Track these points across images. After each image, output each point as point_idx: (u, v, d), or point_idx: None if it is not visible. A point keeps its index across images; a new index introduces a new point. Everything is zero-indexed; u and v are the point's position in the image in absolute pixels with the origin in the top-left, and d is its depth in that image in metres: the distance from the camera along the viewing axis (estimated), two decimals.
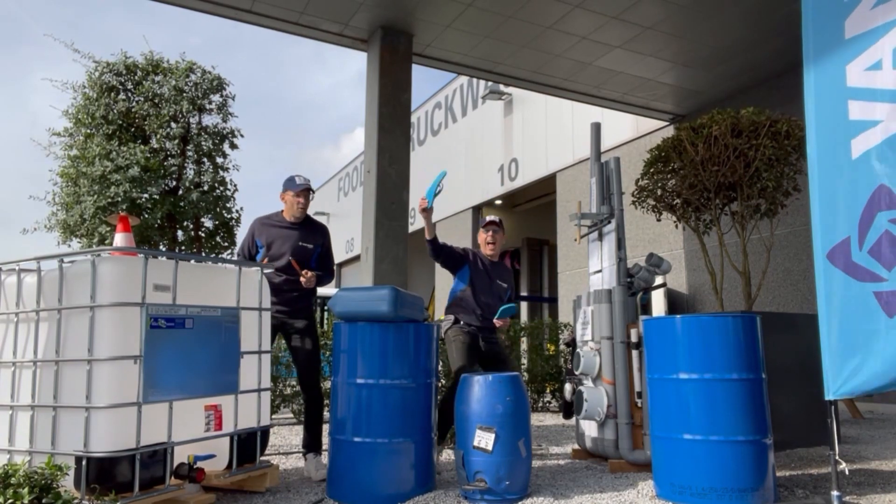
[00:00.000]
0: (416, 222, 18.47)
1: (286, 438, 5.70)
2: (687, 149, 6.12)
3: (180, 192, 7.32)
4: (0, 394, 3.18)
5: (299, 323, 4.13)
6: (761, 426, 3.33)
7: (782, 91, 8.81)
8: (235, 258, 4.06)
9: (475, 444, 3.33)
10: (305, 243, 4.19)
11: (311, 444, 4.04)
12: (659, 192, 6.66)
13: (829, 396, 3.15)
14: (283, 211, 4.27)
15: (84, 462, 2.79)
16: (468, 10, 7.14)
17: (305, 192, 4.20)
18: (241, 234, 7.92)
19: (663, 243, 10.81)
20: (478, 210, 16.14)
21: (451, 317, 4.56)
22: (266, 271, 3.82)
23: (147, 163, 6.79)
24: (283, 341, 4.38)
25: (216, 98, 7.61)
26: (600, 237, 4.71)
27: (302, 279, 4.04)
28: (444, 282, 17.04)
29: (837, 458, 3.16)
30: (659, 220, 7.15)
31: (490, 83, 14.49)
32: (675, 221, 6.98)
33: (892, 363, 2.94)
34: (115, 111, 7.09)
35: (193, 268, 3.40)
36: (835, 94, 3.20)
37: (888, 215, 2.98)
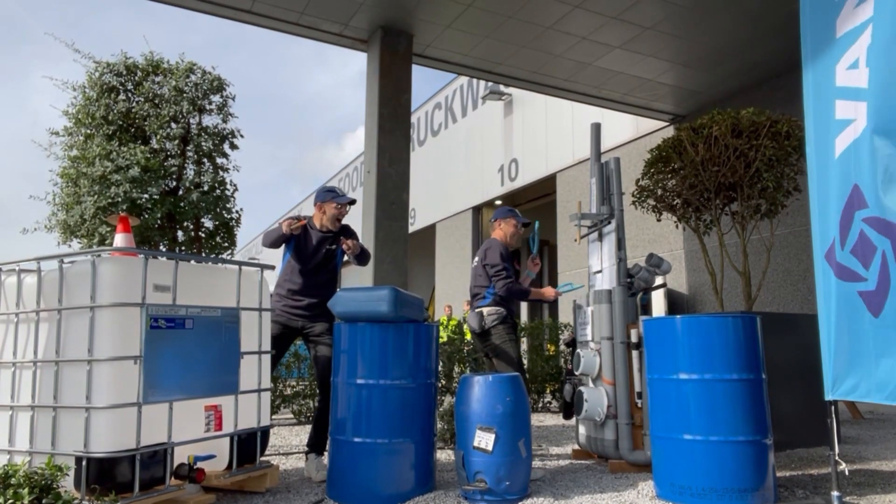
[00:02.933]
0: (417, 222, 18.50)
1: (286, 439, 5.70)
2: (687, 149, 6.12)
3: (180, 192, 7.32)
4: (0, 394, 3.18)
5: (319, 326, 4.12)
6: (761, 426, 3.33)
7: (782, 91, 8.81)
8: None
9: (475, 444, 3.33)
10: (331, 246, 4.22)
11: (316, 445, 4.04)
12: (659, 192, 6.66)
13: (829, 396, 3.15)
14: (313, 218, 4.29)
15: (84, 462, 2.79)
16: (468, 10, 7.14)
17: (348, 205, 4.23)
18: (241, 234, 7.93)
19: (663, 243, 10.81)
20: (478, 210, 16.16)
21: (502, 310, 4.44)
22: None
23: (147, 163, 6.79)
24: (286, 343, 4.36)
25: (216, 98, 7.62)
26: (600, 237, 4.71)
27: (345, 246, 4.09)
28: (444, 281, 17.04)
29: (837, 458, 3.16)
30: (659, 221, 7.15)
31: (490, 83, 14.50)
32: (675, 222, 6.98)
33: (883, 366, 2.92)
34: (116, 111, 7.09)
35: (193, 268, 3.40)
36: (826, 93, 3.20)
37: (861, 214, 2.97)
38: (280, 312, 4.06)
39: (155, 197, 6.93)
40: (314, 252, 4.18)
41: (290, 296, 4.13)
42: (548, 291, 4.64)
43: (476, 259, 4.64)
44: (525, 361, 7.97)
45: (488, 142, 15.75)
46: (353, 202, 4.26)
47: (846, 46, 3.09)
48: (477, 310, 4.46)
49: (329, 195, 4.24)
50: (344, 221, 4.39)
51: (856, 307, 2.99)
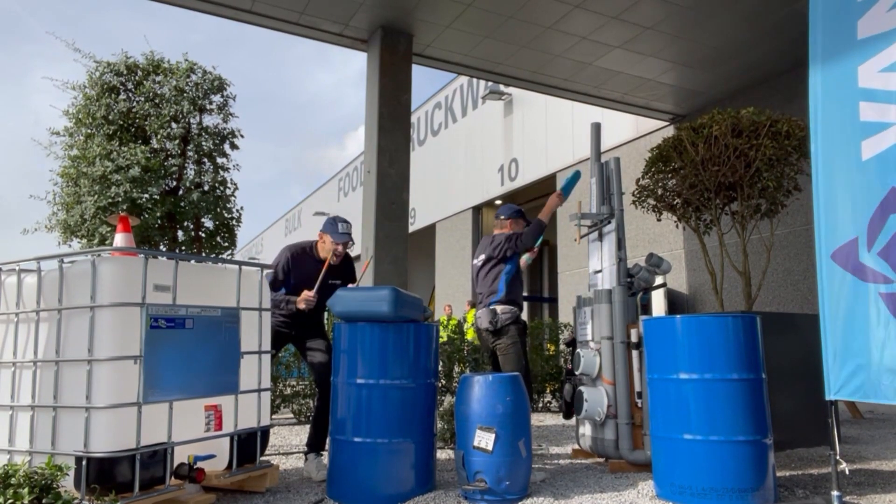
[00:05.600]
0: (417, 222, 18.49)
1: (286, 438, 5.70)
2: (687, 149, 6.12)
3: (181, 192, 7.32)
4: (0, 394, 3.18)
5: (311, 332, 4.17)
6: (761, 426, 3.33)
7: (783, 91, 8.81)
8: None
9: (475, 444, 3.33)
10: (334, 280, 4.16)
11: (315, 445, 4.04)
12: (659, 191, 6.66)
13: (829, 396, 3.15)
14: (316, 244, 4.22)
15: (84, 462, 2.79)
16: (468, 10, 7.14)
17: (346, 244, 4.13)
18: (241, 234, 7.93)
19: (663, 243, 10.81)
20: (478, 210, 16.15)
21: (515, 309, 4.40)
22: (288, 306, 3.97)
23: (147, 163, 6.79)
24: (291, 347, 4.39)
25: (217, 98, 7.61)
26: (600, 237, 4.71)
27: (301, 303, 4.00)
28: (444, 281, 17.05)
29: (838, 458, 3.16)
30: (659, 220, 7.15)
31: (490, 83, 14.50)
32: (675, 221, 6.98)
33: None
34: (116, 111, 7.08)
35: (194, 268, 3.40)
36: (844, 94, 3.18)
37: None
38: (273, 324, 4.04)
39: (155, 197, 6.93)
40: (317, 284, 4.06)
41: (285, 315, 4.12)
42: (550, 200, 4.60)
43: (481, 256, 4.53)
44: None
45: (488, 142, 15.75)
46: (349, 242, 4.13)
47: (878, 48, 3.08)
48: (491, 307, 4.38)
49: (330, 229, 4.13)
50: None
51: (876, 309, 2.99)
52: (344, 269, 4.29)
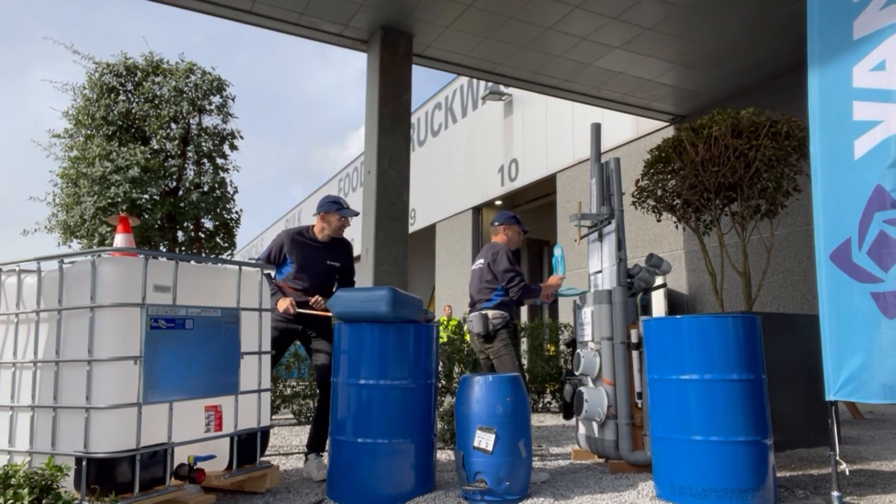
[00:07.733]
0: (417, 222, 18.49)
1: (286, 439, 5.70)
2: (687, 149, 6.12)
3: (180, 192, 7.32)
4: (0, 394, 3.18)
5: (317, 330, 4.17)
6: (761, 427, 3.33)
7: (782, 92, 8.81)
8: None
9: (475, 444, 3.33)
10: (333, 262, 4.21)
11: (316, 445, 4.04)
12: (659, 192, 6.66)
13: (829, 397, 3.15)
14: (313, 227, 4.27)
15: (84, 463, 2.79)
16: (468, 10, 7.14)
17: (352, 216, 4.25)
18: (241, 234, 7.95)
19: (663, 244, 10.80)
20: (478, 211, 16.15)
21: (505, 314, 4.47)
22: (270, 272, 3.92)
23: (147, 164, 6.80)
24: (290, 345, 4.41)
25: (216, 99, 7.62)
26: (600, 238, 4.71)
27: (314, 304, 4.08)
28: (444, 282, 17.05)
29: (838, 458, 3.16)
30: (659, 221, 7.15)
31: (490, 84, 14.50)
32: (675, 222, 6.98)
33: (892, 368, 2.93)
34: (115, 112, 7.09)
35: (194, 268, 3.40)
36: (840, 94, 3.19)
37: (884, 215, 2.98)
38: (280, 319, 4.06)
39: (155, 197, 6.94)
40: (315, 265, 4.16)
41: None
42: (552, 280, 4.71)
43: (480, 261, 4.63)
44: (525, 362, 7.97)
45: (488, 142, 15.75)
46: (356, 214, 4.27)
47: (870, 47, 3.09)
48: (482, 312, 4.46)
49: (333, 206, 4.22)
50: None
51: (868, 308, 2.99)
52: (343, 254, 4.30)
